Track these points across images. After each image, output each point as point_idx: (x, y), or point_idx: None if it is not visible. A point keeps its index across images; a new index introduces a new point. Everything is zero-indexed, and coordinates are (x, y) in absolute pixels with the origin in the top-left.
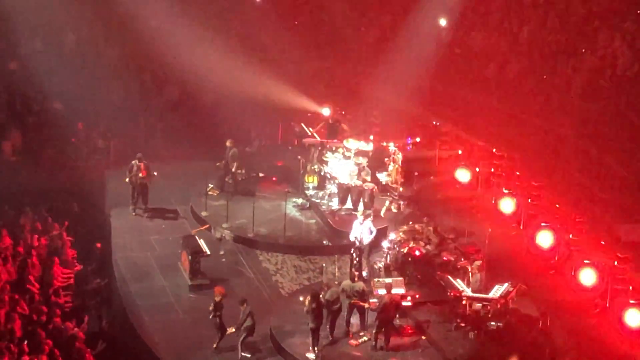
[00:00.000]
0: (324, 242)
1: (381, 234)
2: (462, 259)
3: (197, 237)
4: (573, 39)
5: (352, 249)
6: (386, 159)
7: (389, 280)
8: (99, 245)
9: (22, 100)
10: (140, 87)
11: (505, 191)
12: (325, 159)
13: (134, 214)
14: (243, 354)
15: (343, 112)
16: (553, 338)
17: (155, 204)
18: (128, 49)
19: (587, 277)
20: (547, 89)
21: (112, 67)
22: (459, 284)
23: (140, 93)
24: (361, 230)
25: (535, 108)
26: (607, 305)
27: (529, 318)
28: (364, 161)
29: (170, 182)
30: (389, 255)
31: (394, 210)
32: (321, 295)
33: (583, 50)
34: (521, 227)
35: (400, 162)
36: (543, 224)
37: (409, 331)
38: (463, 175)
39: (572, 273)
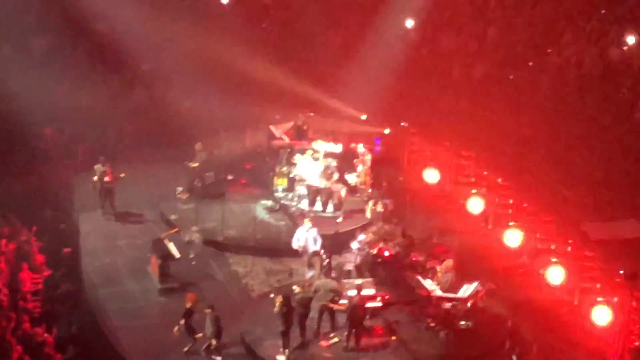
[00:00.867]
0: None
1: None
2: (432, 259)
3: (166, 240)
4: (539, 40)
5: (322, 251)
6: (355, 160)
7: (359, 281)
8: (68, 250)
9: None
10: (108, 91)
11: (473, 191)
12: (294, 161)
13: (103, 218)
14: (214, 357)
15: (311, 114)
16: (522, 336)
17: (124, 208)
18: (96, 52)
19: (555, 275)
20: (514, 90)
21: (79, 71)
22: (429, 284)
23: (109, 97)
24: (306, 238)
25: (502, 108)
26: (576, 303)
27: (498, 317)
28: (333, 162)
29: (139, 185)
30: (358, 256)
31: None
32: (291, 298)
33: (549, 51)
34: (489, 227)
35: (369, 164)
36: (511, 223)
37: (380, 331)
38: (431, 175)
39: (541, 271)
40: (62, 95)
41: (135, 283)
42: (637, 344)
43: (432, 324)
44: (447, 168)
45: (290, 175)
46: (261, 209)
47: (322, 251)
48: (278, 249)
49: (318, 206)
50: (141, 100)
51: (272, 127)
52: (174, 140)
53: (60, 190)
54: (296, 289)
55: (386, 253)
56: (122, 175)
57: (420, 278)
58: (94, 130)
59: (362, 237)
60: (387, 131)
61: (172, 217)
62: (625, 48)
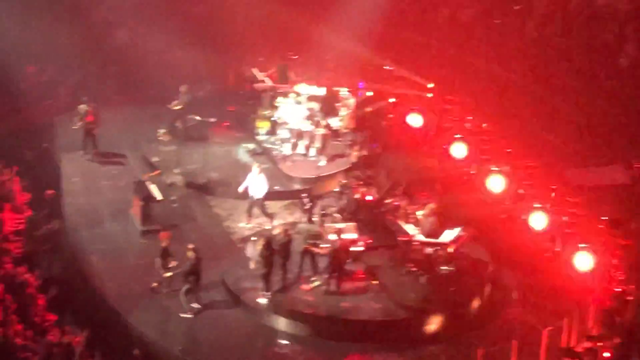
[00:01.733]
0: (276, 187)
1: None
2: (414, 204)
3: (148, 182)
4: None
5: (304, 194)
6: (338, 104)
7: (340, 225)
8: (50, 191)
9: None
10: (89, 31)
11: (457, 136)
12: (276, 104)
13: (85, 159)
14: (192, 305)
15: (295, 57)
16: (503, 282)
17: (106, 149)
18: None
19: (538, 221)
20: (499, 34)
21: (61, 10)
22: (410, 228)
23: (89, 37)
24: (254, 182)
25: (488, 53)
26: (558, 249)
27: (479, 262)
28: (316, 106)
29: (121, 127)
30: (340, 200)
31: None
32: (272, 241)
33: None
34: (472, 172)
35: (352, 107)
36: (494, 168)
37: (361, 276)
38: (415, 120)
39: (523, 217)
40: (43, 34)
41: (117, 224)
42: (618, 289)
43: (413, 269)
44: (431, 113)
45: (273, 119)
46: (243, 152)
47: (262, 199)
48: None
49: (301, 150)
50: (123, 39)
51: (254, 70)
52: (156, 82)
53: (42, 131)
54: (276, 231)
55: (368, 197)
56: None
57: (401, 222)
58: (75, 71)
59: (344, 181)
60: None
61: (154, 159)
62: None
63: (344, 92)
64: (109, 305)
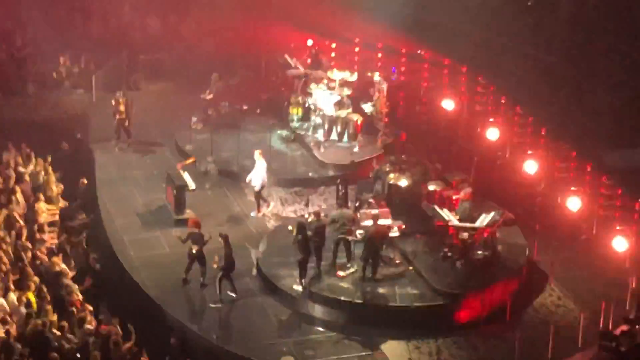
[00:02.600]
0: (310, 174)
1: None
2: (449, 189)
3: (181, 171)
4: None
5: (338, 180)
6: (371, 89)
7: (375, 211)
8: (84, 181)
9: (1, 35)
10: (120, 21)
11: (491, 120)
12: (309, 90)
13: (117, 149)
14: (229, 293)
15: (327, 43)
16: (540, 266)
17: (139, 138)
18: None
19: (574, 204)
20: (533, 15)
21: None
22: (446, 213)
23: (121, 26)
24: (254, 174)
25: (521, 35)
26: (594, 232)
27: (515, 247)
28: (348, 92)
29: (153, 116)
30: (375, 186)
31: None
32: (306, 225)
33: None
34: (507, 155)
35: (385, 92)
36: (529, 152)
37: (396, 262)
38: (448, 104)
39: (559, 200)
40: (75, 24)
41: (150, 214)
42: None
43: (449, 254)
44: (464, 97)
45: (306, 105)
46: (276, 139)
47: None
48: (294, 179)
49: (334, 136)
50: (154, 29)
51: (287, 57)
52: (187, 70)
53: (76, 120)
54: (310, 218)
55: (403, 183)
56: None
57: (436, 207)
58: (108, 60)
59: (379, 167)
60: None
61: (188, 147)
62: None
63: (376, 77)
64: (145, 295)
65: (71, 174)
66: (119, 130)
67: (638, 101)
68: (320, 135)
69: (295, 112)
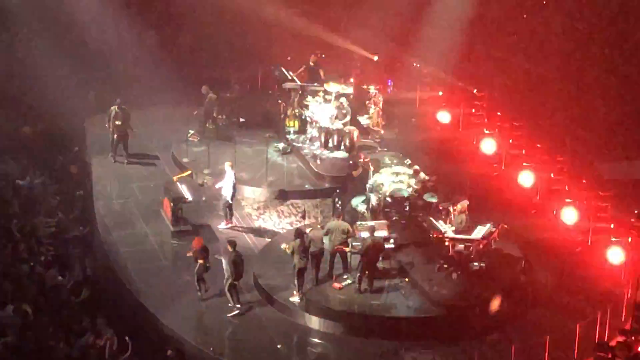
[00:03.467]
0: (306, 186)
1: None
2: (445, 201)
3: (178, 183)
4: None
5: (334, 192)
6: (367, 102)
7: (371, 223)
8: (80, 193)
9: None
10: (117, 34)
11: (487, 132)
12: (306, 102)
13: (113, 161)
14: (237, 306)
15: (323, 56)
16: (535, 277)
17: (136, 151)
18: None
19: (569, 215)
20: (527, 29)
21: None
22: (441, 225)
23: (118, 39)
24: (226, 181)
25: (516, 48)
26: (589, 243)
27: (511, 258)
28: (344, 104)
29: (150, 128)
30: (371, 198)
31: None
32: (305, 233)
33: None
34: (503, 168)
35: (381, 105)
36: (524, 164)
37: (393, 273)
38: (444, 116)
39: (554, 212)
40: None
41: (147, 226)
42: None
43: (445, 266)
44: (460, 109)
45: (303, 118)
46: (273, 152)
47: (229, 201)
48: (290, 191)
49: (330, 148)
50: (151, 41)
51: (283, 69)
52: (185, 83)
53: (73, 133)
54: (308, 230)
55: (400, 194)
56: (134, 130)
57: (432, 219)
58: (104, 73)
59: (374, 178)
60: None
61: (184, 159)
62: None
63: (372, 89)
64: (141, 306)
65: (68, 186)
66: (116, 143)
67: (633, 114)
68: (316, 147)
69: (292, 125)
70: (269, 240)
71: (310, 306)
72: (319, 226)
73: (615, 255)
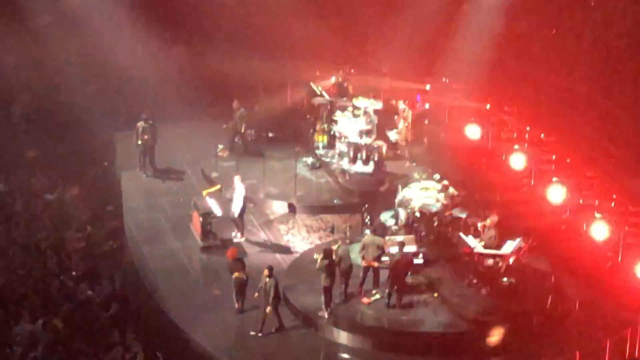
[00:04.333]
0: (335, 201)
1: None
2: (474, 216)
3: (207, 198)
4: None
5: (363, 207)
6: (395, 117)
7: (400, 238)
8: (110, 208)
9: (32, 65)
10: (149, 49)
11: (516, 147)
12: (334, 118)
13: (144, 176)
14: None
15: (352, 71)
16: (565, 293)
17: (165, 166)
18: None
19: (599, 231)
20: (558, 45)
21: (119, 28)
22: (471, 240)
23: (148, 55)
24: (235, 195)
25: (546, 63)
26: (619, 259)
27: (541, 273)
28: (373, 119)
29: (179, 143)
30: (400, 213)
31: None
32: (333, 254)
33: (592, 4)
34: (532, 183)
35: (410, 120)
36: (554, 179)
37: (422, 289)
38: (473, 131)
39: (584, 227)
40: (101, 52)
41: (177, 240)
42: None
43: (474, 281)
44: (489, 124)
45: (331, 133)
46: (302, 166)
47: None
48: (319, 206)
49: (359, 163)
50: (181, 58)
51: (312, 84)
52: (214, 98)
53: (103, 148)
54: (337, 245)
55: (429, 209)
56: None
57: (462, 235)
58: (134, 88)
59: (403, 193)
60: (428, 87)
61: (214, 175)
62: None
63: (401, 104)
64: (171, 321)
65: (98, 201)
66: (144, 158)
67: None
68: (345, 162)
69: (321, 140)
70: (298, 255)
71: (339, 321)
72: (347, 241)
73: None
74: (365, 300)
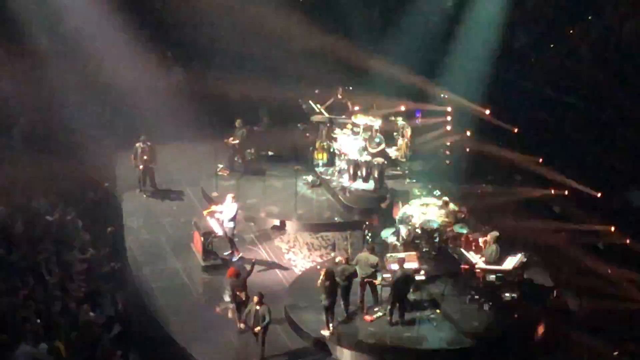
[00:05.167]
0: (335, 218)
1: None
2: (475, 231)
3: (208, 217)
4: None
5: (364, 225)
6: (395, 134)
7: (402, 254)
8: (111, 229)
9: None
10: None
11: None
12: (334, 135)
13: (145, 196)
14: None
15: (351, 89)
16: (568, 307)
17: (165, 186)
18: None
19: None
20: (555, 58)
21: (116, 48)
22: (472, 256)
23: (147, 75)
24: (226, 212)
25: (543, 77)
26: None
27: (543, 288)
28: (373, 136)
29: (179, 163)
30: (400, 230)
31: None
32: (334, 272)
33: (590, 18)
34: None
35: (409, 136)
36: (552, 192)
37: (424, 305)
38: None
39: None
40: (102, 74)
41: (178, 260)
42: None
43: (476, 297)
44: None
45: (331, 150)
46: (302, 184)
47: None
48: (319, 224)
49: (359, 180)
50: (179, 77)
51: (311, 102)
52: (213, 117)
53: (102, 169)
54: (338, 262)
55: (430, 226)
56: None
57: (463, 250)
58: (133, 107)
59: (404, 210)
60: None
61: (214, 194)
62: None
63: (400, 121)
64: (173, 341)
65: (99, 222)
66: (143, 178)
67: None
68: (345, 179)
69: (321, 157)
70: (299, 273)
71: (342, 339)
72: (348, 258)
73: None
74: (367, 317)
